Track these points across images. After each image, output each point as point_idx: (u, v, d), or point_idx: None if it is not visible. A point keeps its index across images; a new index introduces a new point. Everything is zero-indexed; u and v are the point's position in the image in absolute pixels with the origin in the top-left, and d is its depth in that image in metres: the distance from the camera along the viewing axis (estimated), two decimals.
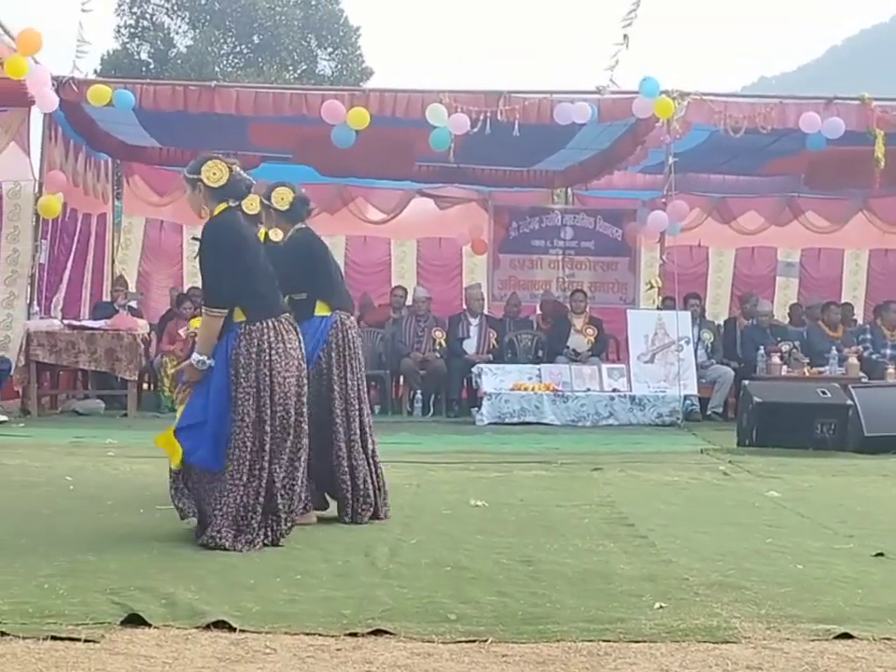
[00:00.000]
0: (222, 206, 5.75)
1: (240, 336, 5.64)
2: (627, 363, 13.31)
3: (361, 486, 6.39)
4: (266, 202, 6.54)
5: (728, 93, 15.66)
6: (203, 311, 5.75)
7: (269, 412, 5.62)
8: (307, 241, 6.70)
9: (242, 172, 5.85)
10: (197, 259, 5.84)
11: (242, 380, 5.60)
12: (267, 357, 5.63)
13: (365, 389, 6.76)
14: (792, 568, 5.14)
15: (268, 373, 5.62)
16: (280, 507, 5.63)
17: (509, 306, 15.53)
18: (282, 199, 6.57)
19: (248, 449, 5.57)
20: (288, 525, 5.72)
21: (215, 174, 5.70)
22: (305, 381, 5.92)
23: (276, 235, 6.64)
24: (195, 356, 5.64)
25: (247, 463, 5.56)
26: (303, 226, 6.72)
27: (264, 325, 5.68)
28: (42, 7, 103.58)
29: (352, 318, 6.76)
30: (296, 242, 6.60)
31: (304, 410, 5.86)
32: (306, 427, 5.86)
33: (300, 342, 5.89)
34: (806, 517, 6.69)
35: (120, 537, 5.67)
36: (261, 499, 5.57)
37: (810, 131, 12.98)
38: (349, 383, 6.52)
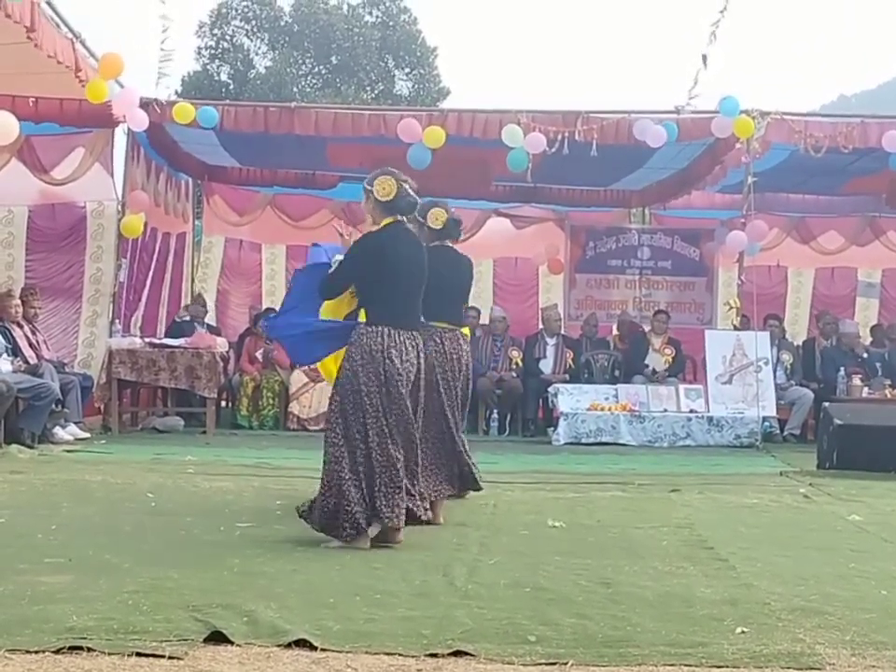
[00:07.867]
0: (388, 220, 6.12)
1: (358, 335, 5.99)
2: (705, 384, 13.21)
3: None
4: (421, 220, 6.98)
5: (809, 112, 15.47)
6: None
7: (373, 413, 5.95)
8: None
9: (410, 190, 6.17)
10: None
11: (350, 374, 5.99)
12: (380, 358, 5.93)
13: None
14: (877, 594, 5.07)
15: (378, 375, 5.95)
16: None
17: (586, 326, 15.44)
18: (436, 219, 7.13)
19: (345, 438, 5.97)
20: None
21: (384, 188, 6.05)
22: (421, 392, 6.28)
23: None
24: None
25: (345, 460, 5.95)
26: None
27: (380, 329, 5.98)
28: (124, 24, 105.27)
29: None
30: None
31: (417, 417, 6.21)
32: (416, 434, 6.19)
33: (417, 355, 6.17)
34: (889, 542, 6.60)
35: (201, 554, 5.72)
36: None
37: (893, 150, 12.80)
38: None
